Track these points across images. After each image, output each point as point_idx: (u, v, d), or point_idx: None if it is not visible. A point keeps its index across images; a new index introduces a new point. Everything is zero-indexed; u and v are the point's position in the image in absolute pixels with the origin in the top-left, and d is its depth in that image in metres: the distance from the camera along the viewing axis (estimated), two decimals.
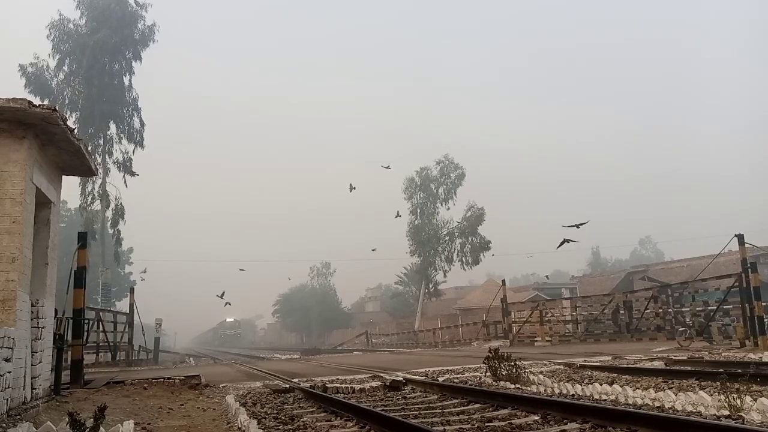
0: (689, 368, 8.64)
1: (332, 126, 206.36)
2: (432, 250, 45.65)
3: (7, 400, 5.76)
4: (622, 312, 20.74)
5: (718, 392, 5.48)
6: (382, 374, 9.31)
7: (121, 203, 34.64)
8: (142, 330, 19.78)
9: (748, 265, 13.57)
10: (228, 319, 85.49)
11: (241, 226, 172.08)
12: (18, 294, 6.23)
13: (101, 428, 4.39)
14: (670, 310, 19.90)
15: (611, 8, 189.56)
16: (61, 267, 8.84)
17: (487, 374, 8.66)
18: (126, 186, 34.95)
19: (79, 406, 6.58)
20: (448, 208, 46.38)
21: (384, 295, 71.69)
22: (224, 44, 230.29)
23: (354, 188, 34.53)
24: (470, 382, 8.30)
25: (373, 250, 43.31)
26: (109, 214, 34.69)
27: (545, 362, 10.57)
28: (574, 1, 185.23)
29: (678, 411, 5.30)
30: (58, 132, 6.80)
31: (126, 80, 36.12)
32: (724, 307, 16.30)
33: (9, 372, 5.77)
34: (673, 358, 10.50)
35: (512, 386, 7.61)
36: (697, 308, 17.86)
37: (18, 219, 6.32)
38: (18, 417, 5.73)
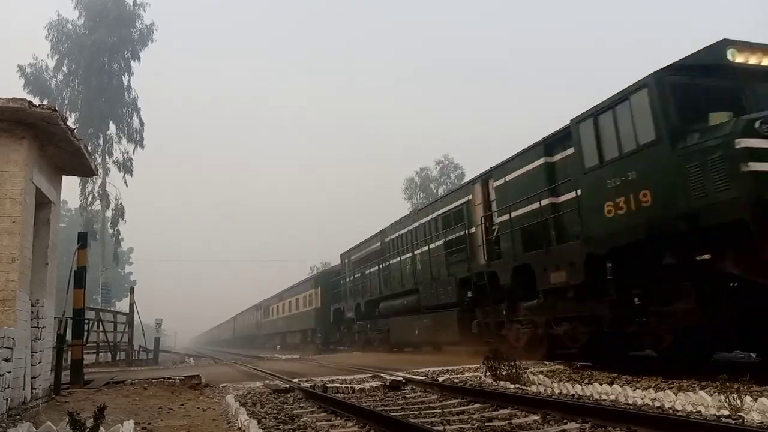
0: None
1: (331, 125, 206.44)
2: None
3: (7, 400, 5.76)
4: None
5: (718, 392, 5.48)
6: (382, 374, 9.32)
7: (121, 203, 34.68)
8: (142, 330, 19.75)
9: None
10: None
11: (241, 227, 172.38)
12: (18, 294, 6.23)
13: (101, 428, 4.38)
14: None
15: (615, 9, 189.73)
16: (61, 267, 8.83)
17: (487, 374, 8.66)
18: (126, 186, 35.02)
19: (79, 406, 6.57)
20: None
21: None
22: (217, 45, 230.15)
23: None
24: (470, 382, 8.30)
25: None
26: (109, 214, 34.72)
27: (545, 362, 10.56)
28: (579, 2, 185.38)
29: (678, 411, 5.30)
30: (58, 132, 6.80)
31: (125, 80, 36.14)
32: None
33: (9, 372, 5.77)
34: None
35: (512, 386, 7.61)
36: None
37: (18, 219, 6.32)
38: (18, 417, 5.73)
